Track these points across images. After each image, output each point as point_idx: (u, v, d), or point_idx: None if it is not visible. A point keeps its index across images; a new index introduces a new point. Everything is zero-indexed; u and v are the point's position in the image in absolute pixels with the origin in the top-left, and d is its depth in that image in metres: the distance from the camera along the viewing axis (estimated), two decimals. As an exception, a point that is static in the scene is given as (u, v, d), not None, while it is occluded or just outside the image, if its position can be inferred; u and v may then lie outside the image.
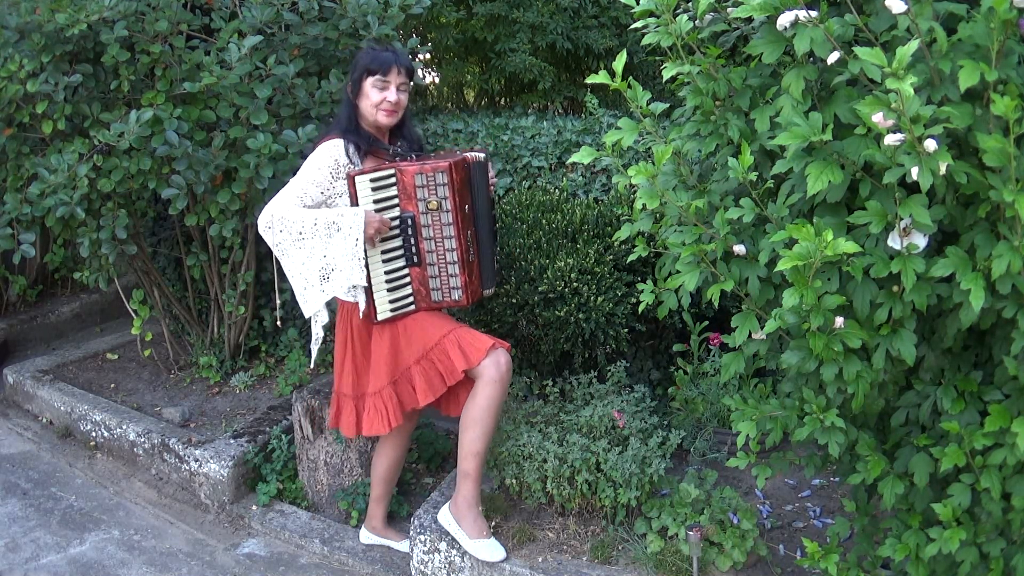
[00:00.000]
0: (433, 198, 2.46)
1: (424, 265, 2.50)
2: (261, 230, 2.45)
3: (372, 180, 2.44)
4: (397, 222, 2.48)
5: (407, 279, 2.51)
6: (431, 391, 2.48)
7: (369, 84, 2.49)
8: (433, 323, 2.50)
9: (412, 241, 2.49)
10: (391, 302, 2.50)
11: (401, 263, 2.50)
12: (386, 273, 2.49)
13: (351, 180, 2.41)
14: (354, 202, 2.43)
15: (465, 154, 2.58)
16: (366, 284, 2.43)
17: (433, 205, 2.46)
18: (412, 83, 2.59)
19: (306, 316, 2.48)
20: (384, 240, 2.47)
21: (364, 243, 2.40)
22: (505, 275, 2.90)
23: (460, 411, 2.53)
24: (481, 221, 2.62)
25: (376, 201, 2.44)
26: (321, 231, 2.40)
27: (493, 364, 2.42)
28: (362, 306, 2.47)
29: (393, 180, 2.46)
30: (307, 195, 2.45)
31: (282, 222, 2.41)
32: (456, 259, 2.49)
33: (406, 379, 2.52)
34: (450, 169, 2.44)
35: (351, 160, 2.48)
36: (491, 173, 2.68)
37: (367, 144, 2.53)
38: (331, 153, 2.47)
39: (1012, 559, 1.72)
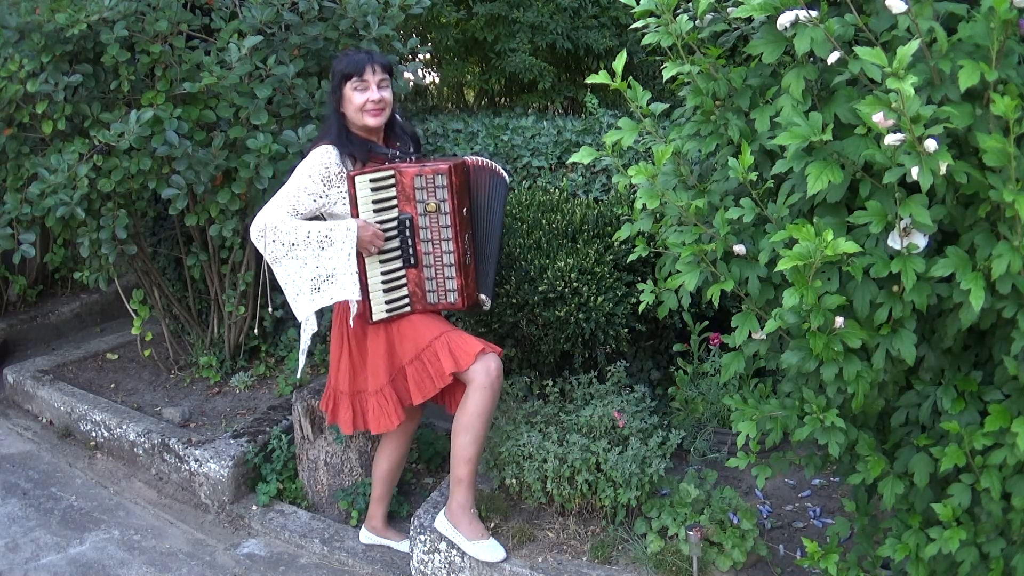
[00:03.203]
0: (432, 200, 2.46)
1: (421, 267, 2.50)
2: (253, 238, 2.43)
3: (372, 180, 2.43)
4: (395, 223, 2.47)
5: (403, 281, 2.51)
6: (421, 392, 2.47)
7: (349, 88, 2.47)
8: (426, 324, 2.49)
9: (410, 243, 2.48)
10: (387, 303, 2.49)
11: (398, 264, 2.50)
12: (383, 274, 2.49)
13: (351, 180, 2.41)
14: (353, 202, 2.42)
15: (466, 158, 2.60)
16: (359, 298, 2.41)
17: (432, 207, 2.46)
18: (392, 78, 2.56)
19: (299, 318, 2.45)
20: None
21: (356, 255, 2.38)
22: (505, 275, 2.90)
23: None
24: (482, 225, 2.62)
25: (375, 202, 2.44)
26: (313, 242, 2.38)
27: (483, 370, 2.39)
28: (354, 310, 2.46)
29: (392, 181, 2.45)
30: (300, 203, 2.43)
31: (274, 232, 2.39)
32: (453, 262, 2.49)
33: (402, 377, 2.52)
34: (450, 172, 2.44)
35: (343, 168, 2.46)
36: (493, 167, 2.68)
37: (363, 153, 2.50)
38: (322, 160, 2.45)
39: (1012, 559, 1.72)
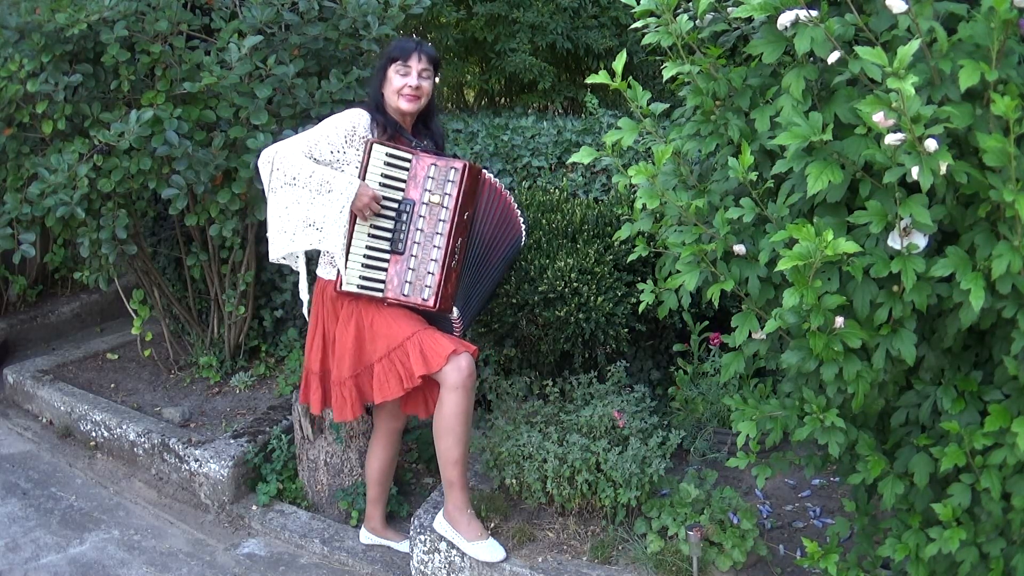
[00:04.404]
0: (438, 192, 2.45)
1: (407, 255, 2.46)
2: (260, 163, 2.45)
3: (388, 155, 2.43)
4: (396, 205, 2.46)
5: (385, 264, 2.47)
6: (383, 392, 2.43)
7: (392, 71, 2.51)
8: (400, 323, 2.45)
9: (404, 228, 2.46)
10: (361, 277, 2.45)
11: (385, 246, 2.46)
12: (367, 248, 2.45)
13: (369, 146, 2.41)
14: (364, 169, 2.42)
15: (486, 172, 2.61)
16: (342, 253, 2.40)
17: (435, 199, 2.45)
18: (437, 74, 2.60)
19: (271, 259, 2.46)
20: (377, 217, 2.45)
21: (349, 213, 2.37)
22: (505, 275, 2.90)
23: (429, 414, 2.54)
24: (479, 245, 2.59)
25: (384, 176, 2.43)
26: (313, 185, 2.38)
27: (454, 370, 2.36)
28: (342, 270, 2.44)
29: (408, 164, 2.45)
30: (317, 148, 2.44)
31: (282, 161, 2.40)
32: (438, 257, 2.45)
33: (368, 374, 2.49)
34: (463, 169, 2.45)
35: (369, 135, 2.48)
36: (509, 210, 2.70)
37: (392, 129, 2.53)
38: (352, 119, 2.48)
39: (1012, 559, 1.72)
